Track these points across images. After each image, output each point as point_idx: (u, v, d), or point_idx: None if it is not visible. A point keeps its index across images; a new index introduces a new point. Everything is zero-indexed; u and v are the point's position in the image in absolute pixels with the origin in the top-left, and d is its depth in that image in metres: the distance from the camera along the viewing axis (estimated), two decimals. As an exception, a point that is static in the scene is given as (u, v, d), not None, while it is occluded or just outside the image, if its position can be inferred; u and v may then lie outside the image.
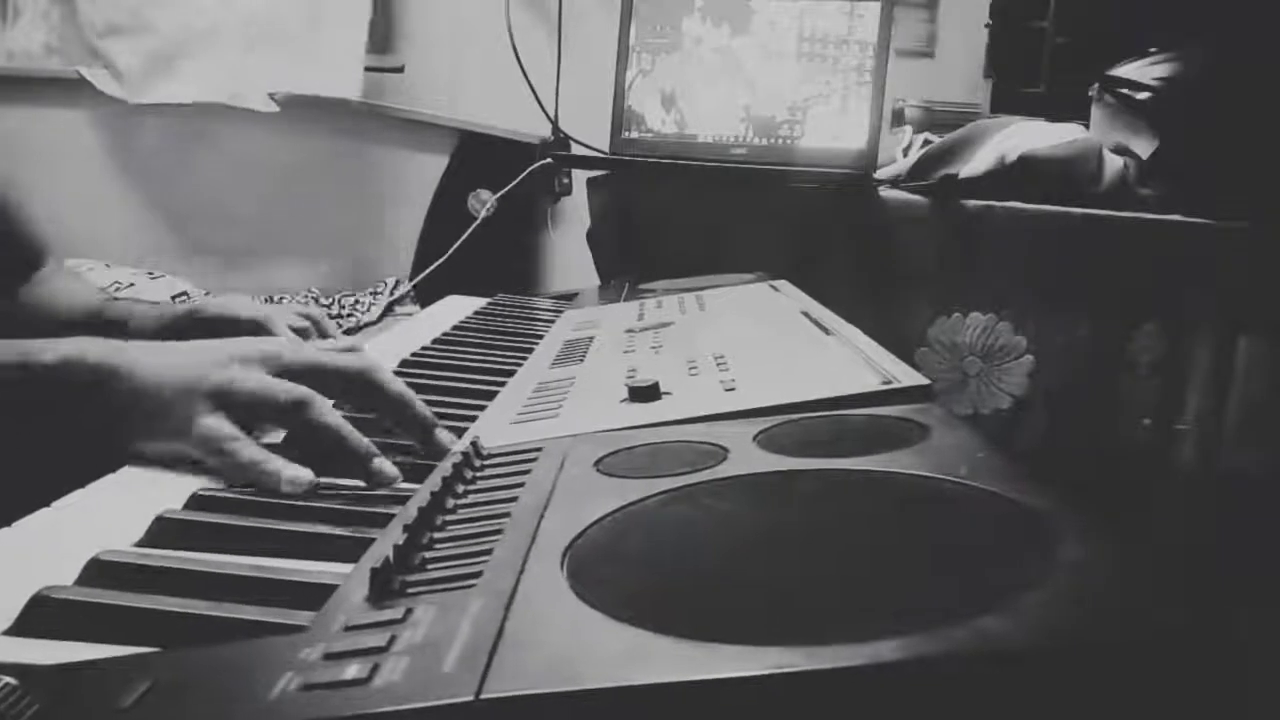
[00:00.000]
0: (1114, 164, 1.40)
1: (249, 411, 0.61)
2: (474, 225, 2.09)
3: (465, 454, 0.58)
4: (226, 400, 0.60)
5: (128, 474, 0.61)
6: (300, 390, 0.61)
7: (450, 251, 2.14)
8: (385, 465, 0.59)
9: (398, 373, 0.86)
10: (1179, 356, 1.28)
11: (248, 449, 0.59)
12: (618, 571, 0.41)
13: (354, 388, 0.65)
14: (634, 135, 1.61)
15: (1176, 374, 1.28)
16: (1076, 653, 0.31)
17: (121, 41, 2.34)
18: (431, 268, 2.15)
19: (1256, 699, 0.31)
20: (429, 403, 0.77)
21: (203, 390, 0.60)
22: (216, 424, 0.59)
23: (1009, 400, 1.35)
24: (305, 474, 0.57)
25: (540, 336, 1.04)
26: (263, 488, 0.57)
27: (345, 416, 0.62)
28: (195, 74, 2.34)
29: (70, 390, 0.60)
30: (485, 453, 0.60)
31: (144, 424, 0.60)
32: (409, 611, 0.37)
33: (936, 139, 1.53)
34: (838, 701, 0.31)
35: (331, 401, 0.63)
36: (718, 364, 0.75)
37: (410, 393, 0.66)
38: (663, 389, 0.69)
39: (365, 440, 0.60)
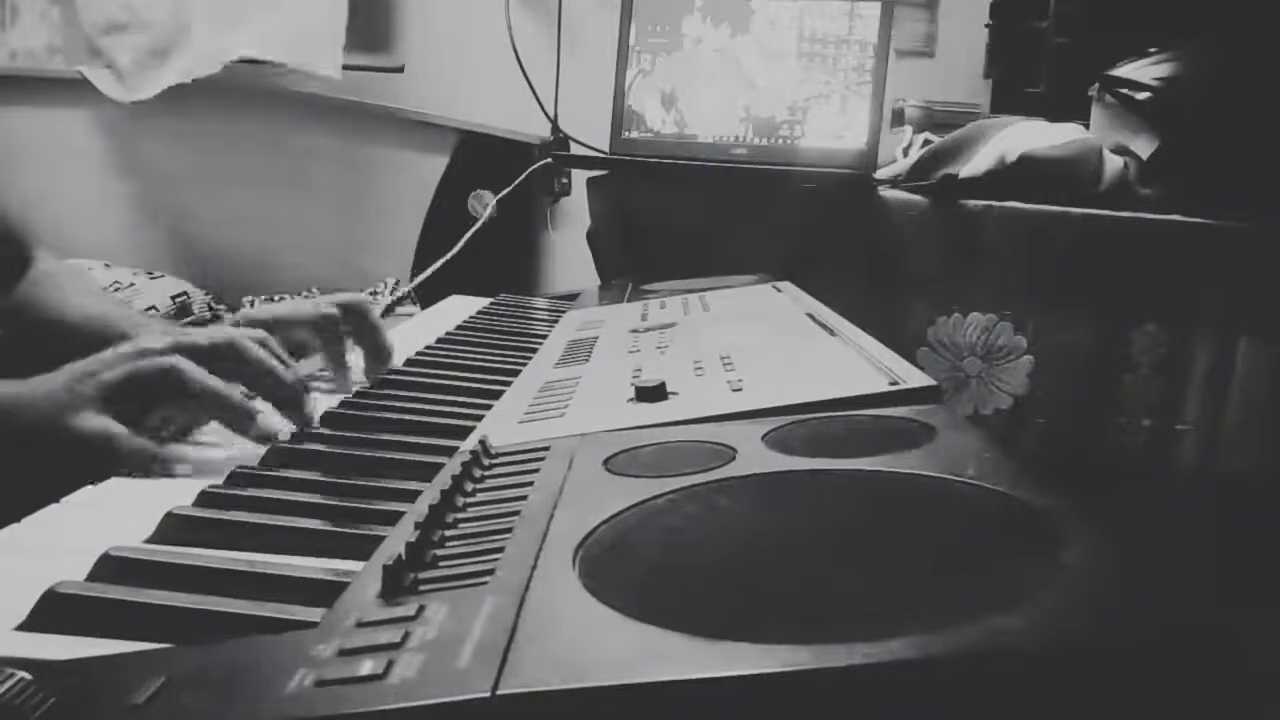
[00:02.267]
0: (1114, 164, 1.40)
1: (128, 394, 0.64)
2: (475, 227, 2.08)
3: (474, 452, 0.58)
4: (105, 394, 0.64)
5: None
6: (161, 360, 0.64)
7: (451, 253, 2.13)
8: (254, 411, 0.65)
9: (402, 371, 0.87)
10: (1179, 356, 1.28)
11: (129, 441, 0.62)
12: (630, 569, 0.41)
13: (219, 356, 0.68)
14: (634, 135, 1.62)
15: (1176, 374, 1.28)
16: (1080, 652, 0.31)
17: (122, 39, 2.34)
18: (430, 270, 2.15)
19: (1256, 699, 0.31)
20: (435, 400, 0.78)
21: (77, 397, 0.63)
22: (93, 425, 0.62)
23: (1009, 400, 1.35)
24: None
25: (544, 336, 1.04)
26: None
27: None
28: (188, 64, 2.33)
29: None
30: (493, 451, 0.60)
31: (48, 436, 0.63)
32: (422, 608, 0.37)
33: (936, 139, 1.53)
34: (847, 699, 0.31)
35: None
36: (724, 365, 0.75)
37: (274, 363, 0.69)
38: (669, 389, 0.69)
39: (238, 394, 0.65)
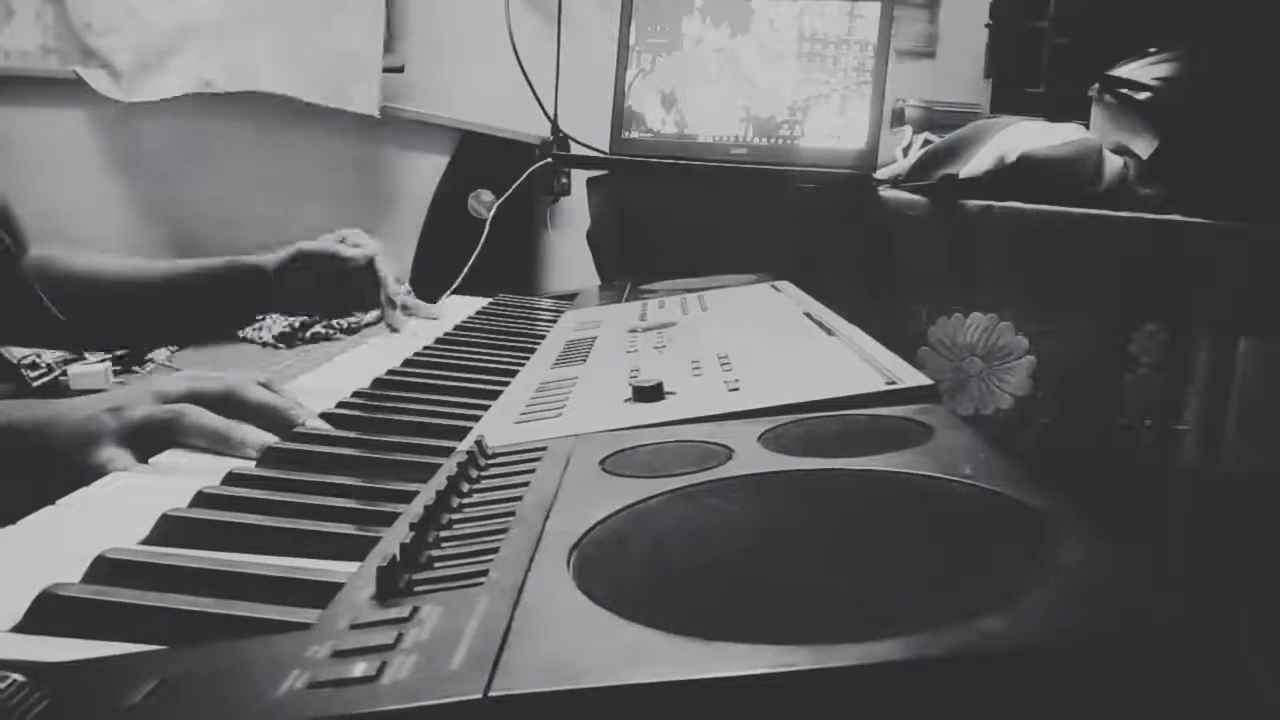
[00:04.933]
0: (1114, 164, 1.40)
1: (145, 434, 0.69)
2: (483, 238, 2.08)
3: (470, 453, 0.58)
4: (124, 432, 0.68)
5: (132, 473, 0.62)
6: (174, 407, 0.70)
7: (466, 270, 2.13)
8: (250, 438, 0.68)
9: (400, 371, 0.87)
10: (1179, 356, 1.28)
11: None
12: (624, 570, 0.41)
13: (225, 404, 0.73)
14: (634, 135, 1.61)
15: (1176, 374, 1.28)
16: (1077, 653, 0.31)
17: (119, 40, 2.34)
18: (454, 284, 2.14)
19: (1256, 699, 0.31)
20: (432, 400, 0.78)
21: (102, 429, 0.68)
22: (110, 456, 0.67)
23: (1010, 400, 1.35)
24: None
25: (542, 336, 1.04)
26: None
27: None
28: (191, 69, 2.33)
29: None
30: (490, 452, 0.60)
31: (71, 462, 0.67)
32: (415, 610, 0.37)
33: (936, 139, 1.53)
34: (841, 700, 0.31)
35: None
36: (721, 364, 0.75)
37: (273, 399, 0.74)
38: (666, 389, 0.69)
39: (235, 424, 0.70)
